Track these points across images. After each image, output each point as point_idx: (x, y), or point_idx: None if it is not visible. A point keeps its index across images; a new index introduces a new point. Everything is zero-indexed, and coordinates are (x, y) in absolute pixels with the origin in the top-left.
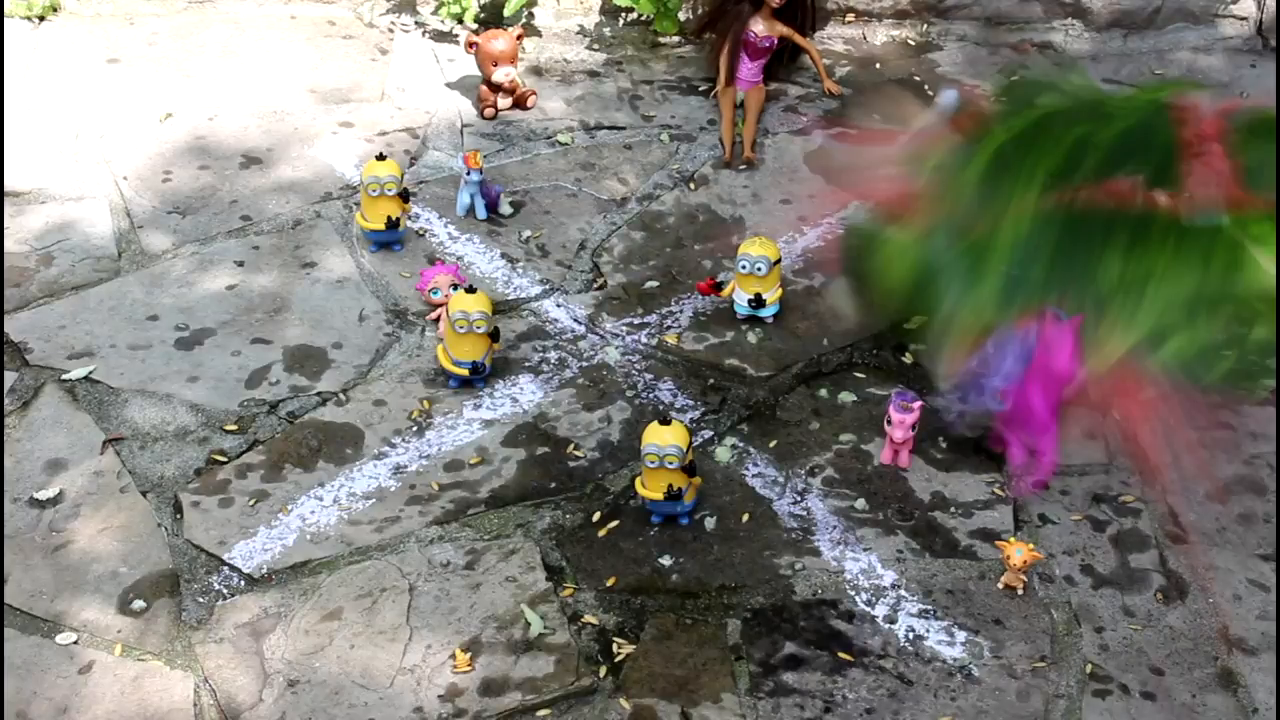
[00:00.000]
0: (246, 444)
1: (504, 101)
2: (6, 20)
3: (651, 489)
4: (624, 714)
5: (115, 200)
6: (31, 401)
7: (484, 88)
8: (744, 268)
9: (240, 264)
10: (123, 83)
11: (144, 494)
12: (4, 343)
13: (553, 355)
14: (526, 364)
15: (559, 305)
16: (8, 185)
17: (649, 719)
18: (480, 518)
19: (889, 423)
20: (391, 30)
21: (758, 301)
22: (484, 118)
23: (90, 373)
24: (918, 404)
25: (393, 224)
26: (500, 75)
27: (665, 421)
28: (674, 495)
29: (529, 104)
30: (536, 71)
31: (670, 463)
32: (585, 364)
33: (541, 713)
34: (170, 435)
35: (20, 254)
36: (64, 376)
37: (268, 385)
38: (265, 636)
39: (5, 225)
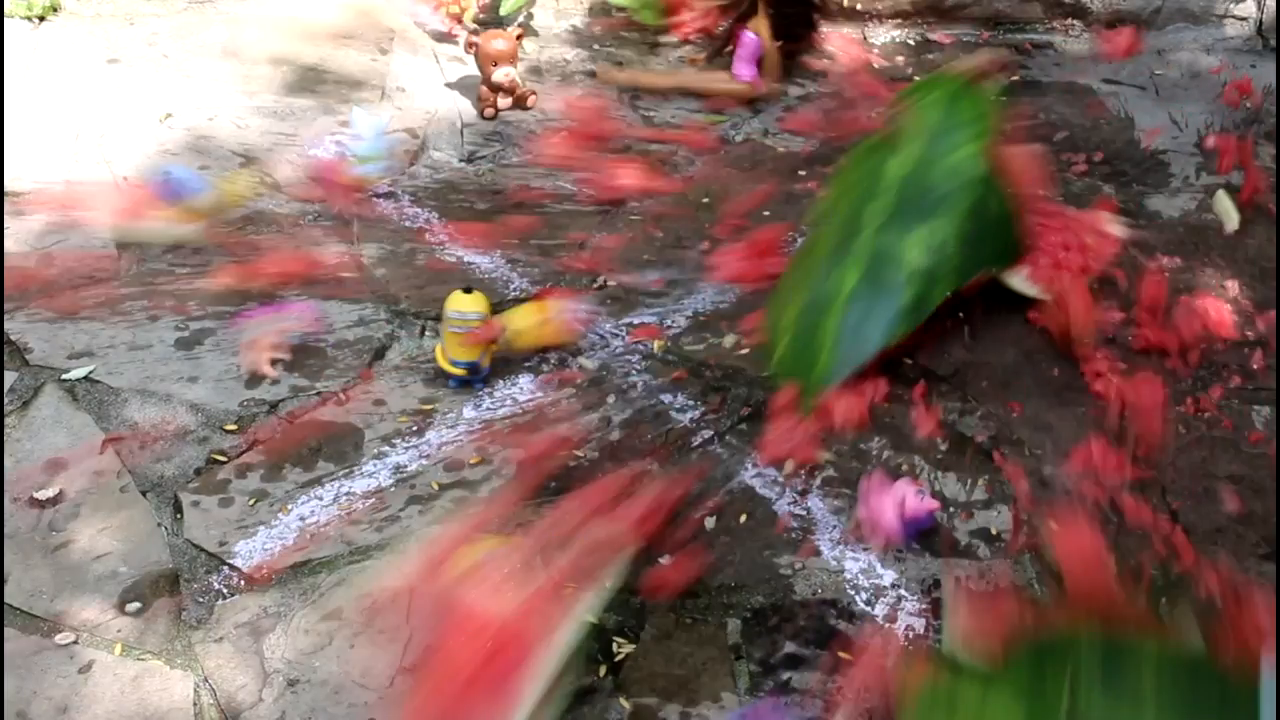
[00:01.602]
0: (246, 444)
1: (504, 101)
2: (6, 20)
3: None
4: (624, 713)
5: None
6: (31, 401)
7: (484, 88)
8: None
9: (240, 263)
10: (123, 83)
11: (144, 494)
12: (4, 343)
13: (552, 355)
14: (526, 364)
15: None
16: (8, 185)
17: (649, 719)
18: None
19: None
20: (391, 30)
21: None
22: (484, 118)
23: (90, 373)
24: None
25: (474, 367)
26: (500, 75)
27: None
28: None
29: (529, 104)
30: (536, 71)
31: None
32: (585, 364)
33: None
34: (170, 435)
35: (20, 254)
36: (64, 376)
37: (267, 385)
38: (265, 636)
39: (5, 225)
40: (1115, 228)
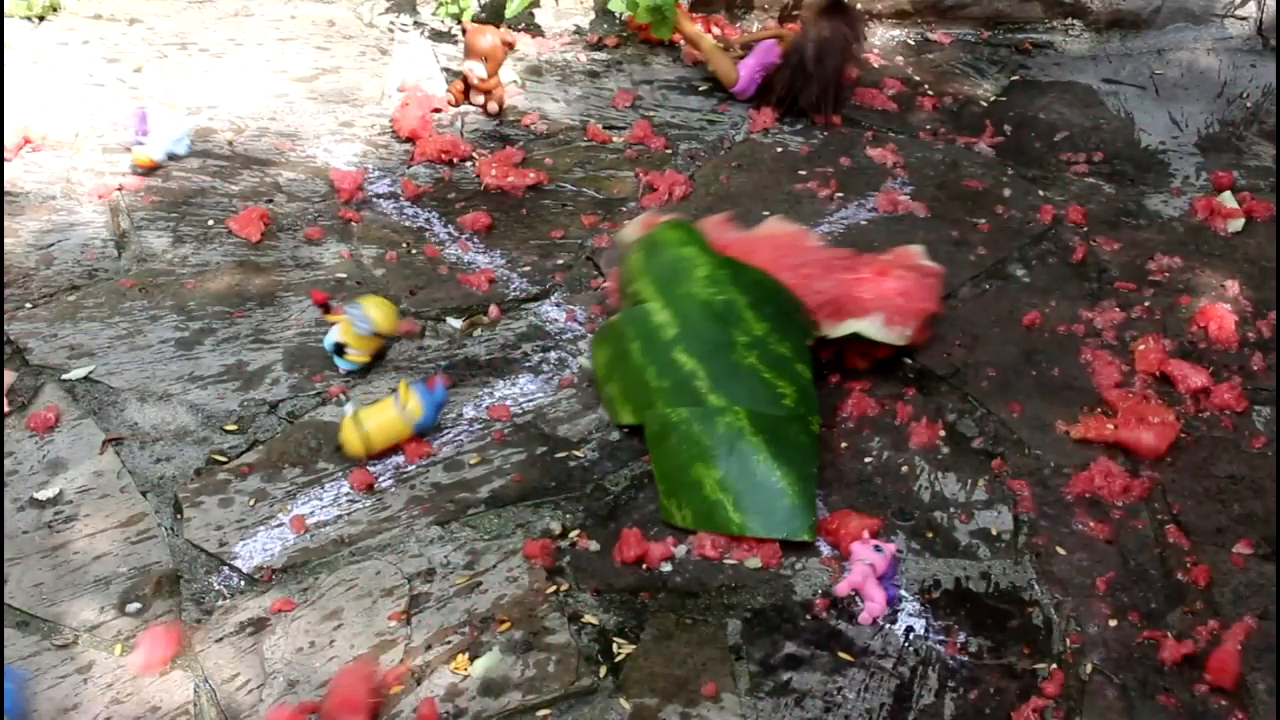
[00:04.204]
0: (246, 444)
1: (478, 98)
2: (7, 19)
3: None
4: (624, 714)
5: (115, 200)
6: (31, 401)
7: (456, 80)
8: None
9: (240, 263)
10: (123, 82)
11: (144, 494)
12: (4, 342)
13: (552, 355)
14: (526, 364)
15: (558, 305)
16: (8, 185)
17: (649, 719)
18: (480, 518)
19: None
20: (391, 30)
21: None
22: (449, 105)
23: (90, 373)
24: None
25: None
26: (465, 69)
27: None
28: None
29: (489, 107)
30: (536, 71)
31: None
32: (585, 364)
33: (541, 712)
34: (170, 435)
35: (20, 254)
36: (64, 376)
37: (267, 385)
38: (265, 636)
39: (5, 225)
40: (926, 262)
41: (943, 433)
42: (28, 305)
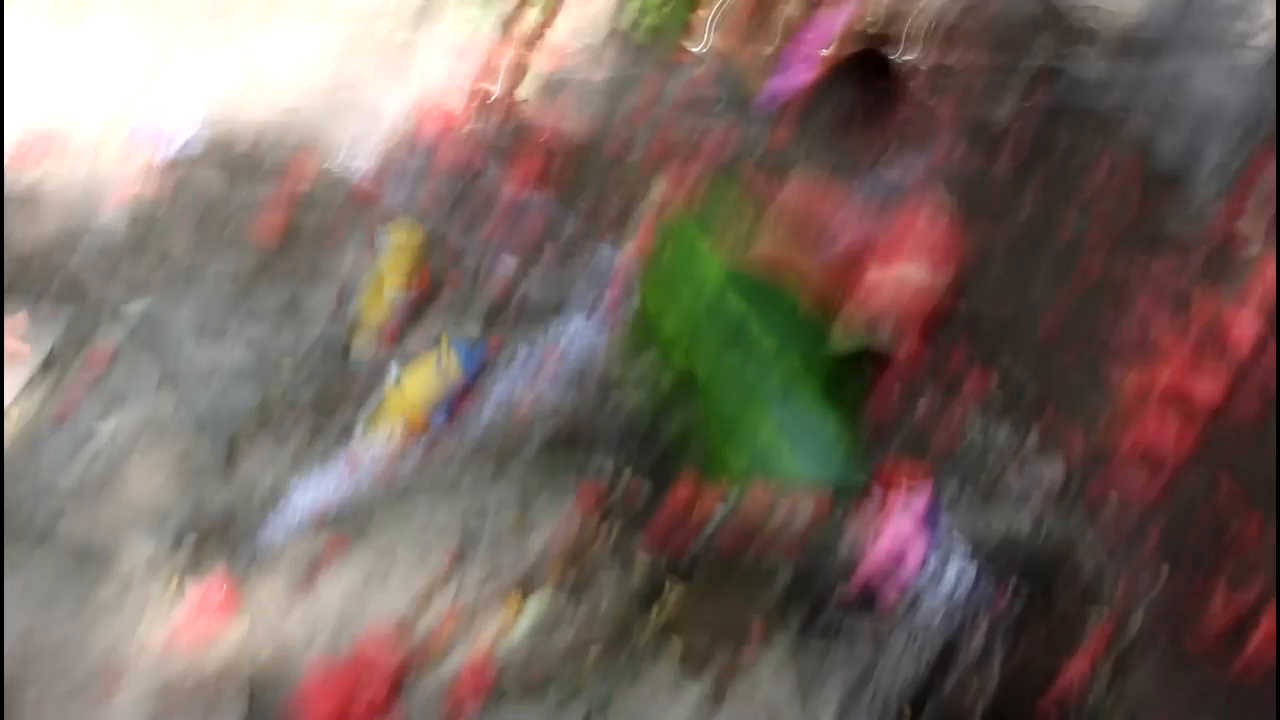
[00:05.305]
0: (302, 383)
1: (494, 114)
2: (24, 23)
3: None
4: (674, 652)
5: (134, 205)
6: (89, 339)
7: (474, 96)
8: None
9: (259, 270)
10: (125, 79)
11: (199, 433)
12: (3, 336)
13: (605, 299)
14: (579, 308)
15: (580, 310)
16: (26, 190)
17: (700, 656)
18: (533, 461)
19: None
20: (408, 46)
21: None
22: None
23: (147, 312)
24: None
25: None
26: (482, 84)
27: None
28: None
29: (505, 122)
30: (551, 87)
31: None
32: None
33: (593, 649)
34: (226, 374)
35: (39, 258)
36: (121, 314)
37: (323, 324)
38: (317, 575)
39: (26, 230)
40: (944, 215)
41: (995, 380)
42: (84, 246)
